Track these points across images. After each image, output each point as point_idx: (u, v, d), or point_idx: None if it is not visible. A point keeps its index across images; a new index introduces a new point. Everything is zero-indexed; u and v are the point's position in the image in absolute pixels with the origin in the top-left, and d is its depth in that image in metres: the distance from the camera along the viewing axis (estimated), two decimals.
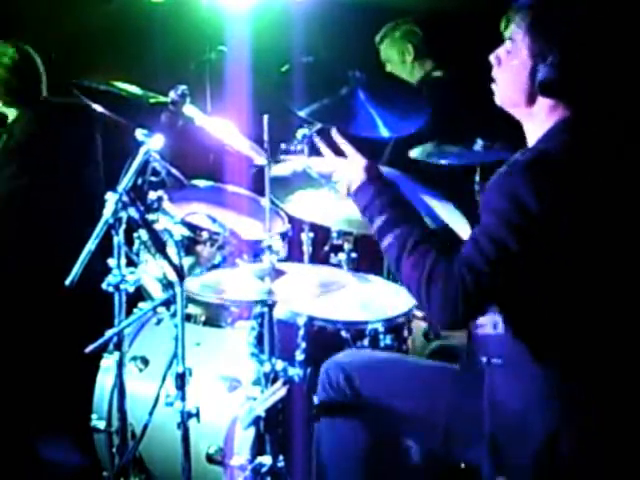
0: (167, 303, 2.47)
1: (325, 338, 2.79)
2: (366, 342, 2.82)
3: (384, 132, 3.33)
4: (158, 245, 2.56)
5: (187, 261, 2.94)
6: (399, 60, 4.41)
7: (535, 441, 2.12)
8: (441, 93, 4.26)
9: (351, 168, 2.36)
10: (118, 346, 2.65)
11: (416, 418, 2.36)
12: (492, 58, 2.27)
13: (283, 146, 3.37)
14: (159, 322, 3.13)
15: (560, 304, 2.10)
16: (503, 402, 2.19)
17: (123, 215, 2.49)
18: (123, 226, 2.52)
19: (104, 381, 3.06)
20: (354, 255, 3.30)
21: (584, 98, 2.18)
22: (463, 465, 2.52)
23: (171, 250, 2.57)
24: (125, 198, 2.47)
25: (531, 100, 2.20)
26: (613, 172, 2.14)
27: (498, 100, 2.29)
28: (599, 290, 2.11)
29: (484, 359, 2.25)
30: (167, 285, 2.57)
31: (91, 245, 2.45)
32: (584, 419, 2.11)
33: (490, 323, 2.22)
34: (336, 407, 2.45)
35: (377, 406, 2.41)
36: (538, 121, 2.20)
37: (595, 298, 2.11)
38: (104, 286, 2.58)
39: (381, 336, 2.84)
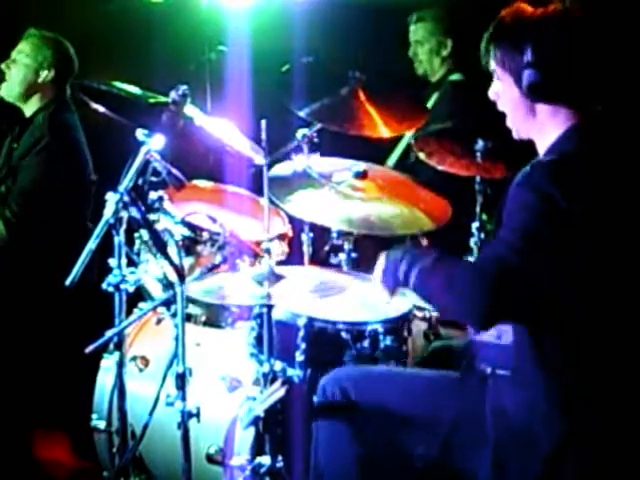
0: (167, 303, 2.48)
1: (325, 339, 2.79)
2: (366, 343, 2.81)
3: (384, 132, 3.33)
4: (159, 245, 2.56)
5: (187, 261, 2.94)
6: (434, 49, 4.31)
7: (540, 455, 2.10)
8: (461, 95, 4.23)
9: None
10: (118, 346, 2.65)
11: (414, 425, 2.33)
12: (491, 95, 2.27)
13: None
14: (159, 322, 3.13)
15: (577, 312, 2.07)
16: (509, 409, 2.17)
17: (124, 215, 2.50)
18: (124, 226, 2.53)
19: (104, 381, 3.05)
20: (354, 255, 3.30)
21: (580, 99, 2.16)
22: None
23: (171, 250, 2.57)
24: (126, 198, 2.48)
25: (532, 112, 2.19)
26: (625, 170, 2.14)
27: (516, 135, 2.28)
28: (615, 294, 2.08)
29: (488, 369, 2.25)
30: (167, 285, 2.56)
31: (92, 244, 2.45)
32: (592, 438, 2.08)
33: (492, 331, 2.21)
34: (333, 416, 2.42)
35: (374, 415, 2.37)
36: (545, 131, 2.19)
37: (610, 305, 2.08)
38: (104, 286, 2.58)
39: (381, 337, 2.83)
